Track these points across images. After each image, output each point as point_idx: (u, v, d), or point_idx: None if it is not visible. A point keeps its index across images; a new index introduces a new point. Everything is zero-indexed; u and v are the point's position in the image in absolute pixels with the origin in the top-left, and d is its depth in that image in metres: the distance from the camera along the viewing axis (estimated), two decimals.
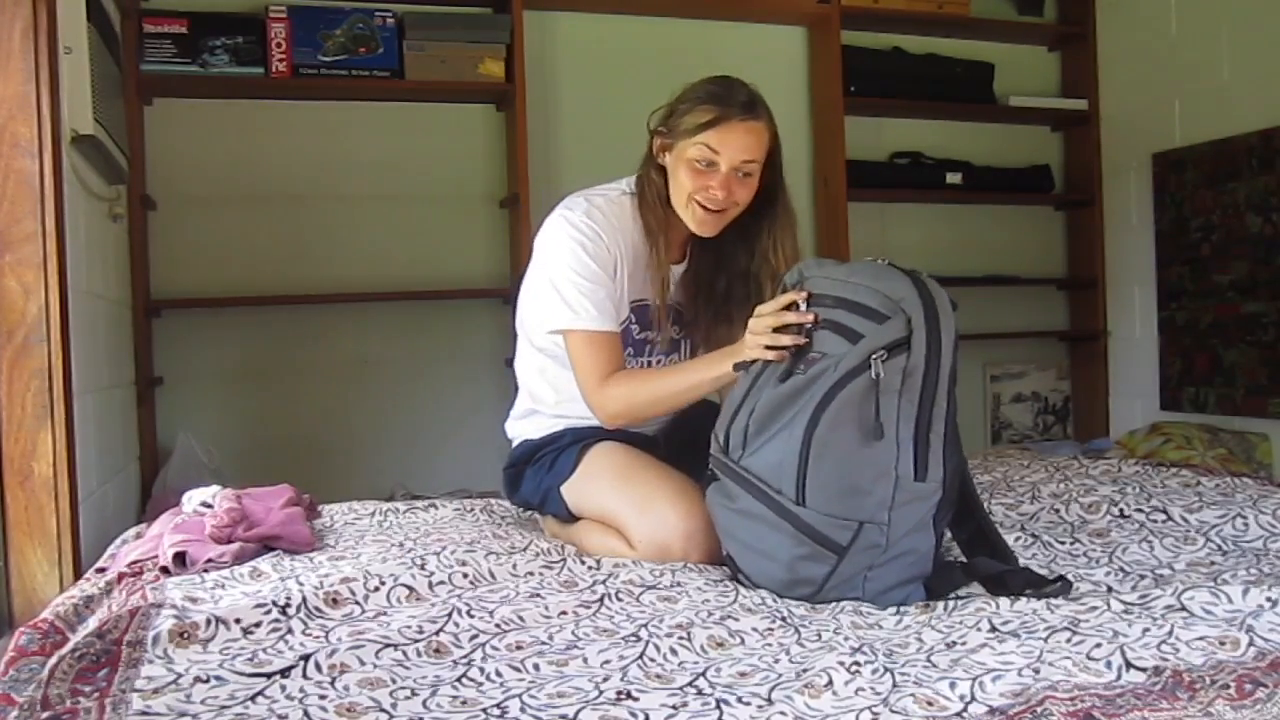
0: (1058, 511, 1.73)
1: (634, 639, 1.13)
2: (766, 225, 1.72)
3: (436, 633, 1.15)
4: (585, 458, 1.68)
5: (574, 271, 1.65)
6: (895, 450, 1.29)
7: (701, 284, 1.78)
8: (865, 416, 1.28)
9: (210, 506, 1.66)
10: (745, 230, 1.72)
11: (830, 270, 1.42)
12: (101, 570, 1.56)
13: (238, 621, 1.15)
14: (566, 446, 1.72)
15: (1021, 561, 1.44)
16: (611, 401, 1.63)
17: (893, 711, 0.92)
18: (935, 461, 1.30)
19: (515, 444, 1.84)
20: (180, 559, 1.47)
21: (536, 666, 1.07)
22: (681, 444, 1.74)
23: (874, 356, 1.28)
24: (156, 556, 1.50)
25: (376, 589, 1.28)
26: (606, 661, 1.08)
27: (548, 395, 1.79)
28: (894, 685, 0.98)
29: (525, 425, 1.83)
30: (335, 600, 1.24)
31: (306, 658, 1.05)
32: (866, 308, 1.33)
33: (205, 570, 1.44)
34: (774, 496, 1.33)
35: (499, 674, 1.05)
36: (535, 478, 1.75)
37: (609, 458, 1.68)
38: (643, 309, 1.75)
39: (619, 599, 1.31)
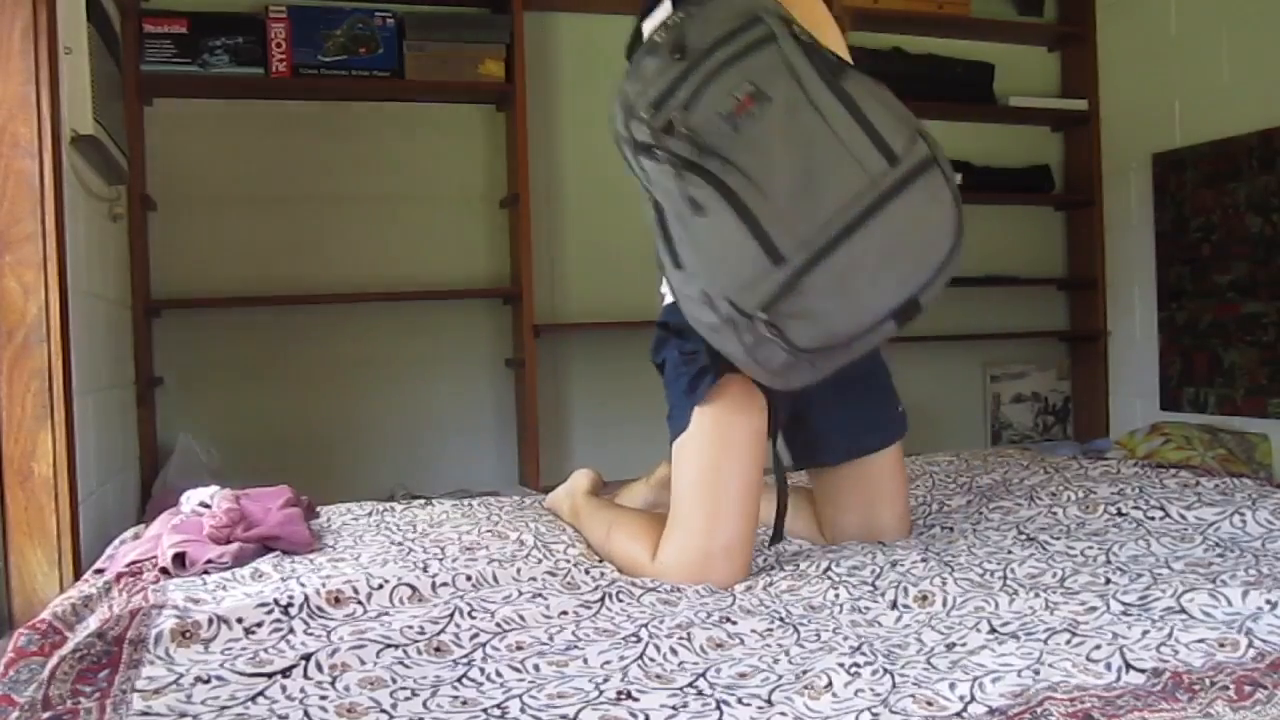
0: (1055, 513, 1.73)
1: (634, 639, 1.14)
2: None
3: (438, 633, 1.15)
4: (718, 400, 1.48)
5: None
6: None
7: None
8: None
9: (208, 507, 1.66)
10: None
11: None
12: (100, 571, 1.56)
13: (239, 621, 1.15)
14: (714, 358, 1.47)
15: (1018, 560, 1.44)
16: None
17: (892, 712, 0.92)
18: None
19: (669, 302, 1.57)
20: (180, 560, 1.47)
21: (537, 667, 1.07)
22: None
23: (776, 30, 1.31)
24: (155, 557, 1.50)
25: (380, 587, 1.28)
26: (607, 662, 1.08)
27: None
28: (893, 686, 0.98)
29: None
30: (338, 599, 1.24)
31: (307, 657, 1.05)
32: (733, 29, 1.33)
33: (206, 571, 1.44)
34: (879, 192, 1.27)
35: (499, 674, 1.05)
36: (676, 369, 1.54)
37: (720, 441, 1.48)
38: None
39: (619, 599, 1.31)
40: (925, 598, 1.28)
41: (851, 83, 1.30)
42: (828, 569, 1.43)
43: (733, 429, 1.48)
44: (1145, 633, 1.07)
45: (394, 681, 1.01)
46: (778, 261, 1.26)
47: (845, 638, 1.14)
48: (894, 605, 1.28)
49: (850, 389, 1.62)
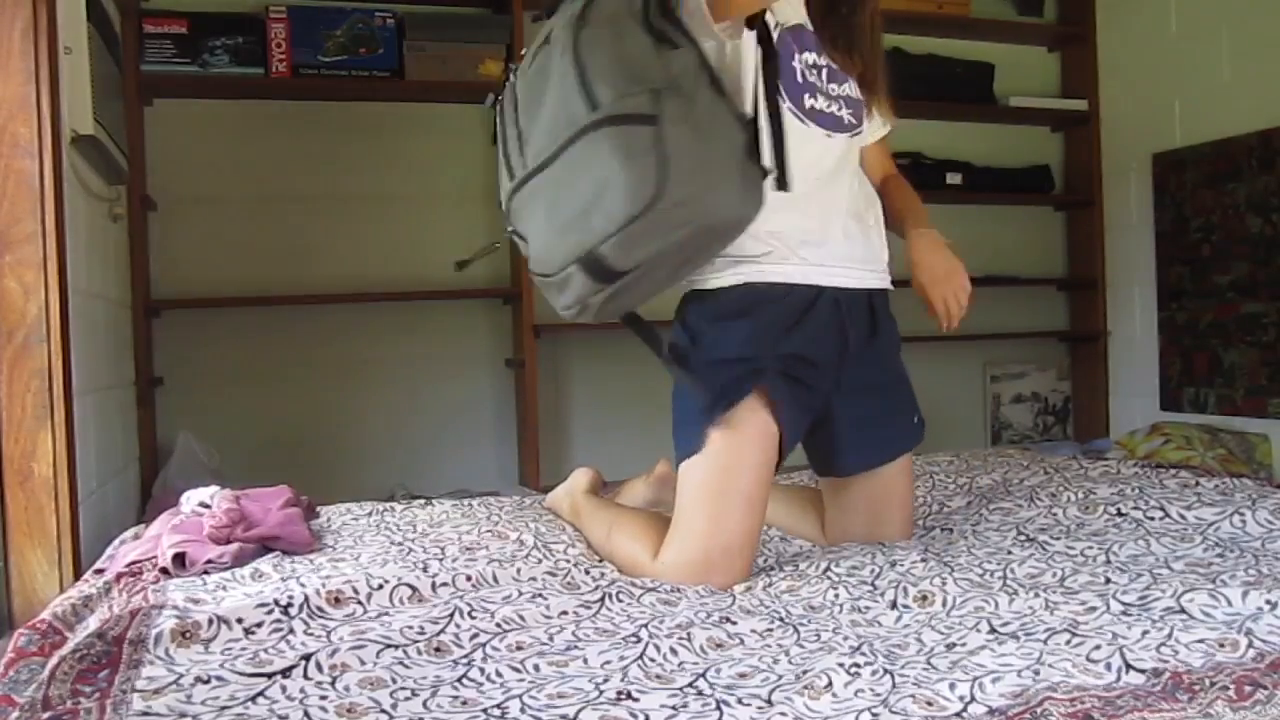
0: (1055, 514, 1.73)
1: (634, 639, 1.14)
2: None
3: (438, 633, 1.15)
4: (733, 420, 1.46)
5: None
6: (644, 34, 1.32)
7: None
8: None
9: (208, 507, 1.66)
10: None
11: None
12: (100, 571, 1.56)
13: (239, 621, 1.15)
14: (734, 379, 1.47)
15: (1017, 560, 1.44)
16: None
17: (892, 712, 0.92)
18: (677, 32, 1.34)
19: (693, 292, 1.54)
20: (179, 560, 1.47)
21: (537, 667, 1.07)
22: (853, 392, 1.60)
23: None
24: (155, 557, 1.50)
25: (380, 587, 1.28)
26: (607, 662, 1.08)
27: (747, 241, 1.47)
28: (893, 686, 0.98)
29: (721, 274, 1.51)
30: (338, 600, 1.24)
31: (307, 658, 1.05)
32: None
33: (205, 572, 1.44)
34: (570, 134, 1.30)
35: (499, 674, 1.05)
36: (684, 399, 1.51)
37: (731, 454, 1.47)
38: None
39: (619, 599, 1.31)
40: (925, 598, 1.28)
41: (589, 33, 1.32)
42: (827, 569, 1.43)
43: (745, 445, 1.48)
44: (1145, 633, 1.07)
45: (394, 682, 1.02)
46: (511, 179, 1.41)
47: (845, 638, 1.14)
48: (894, 605, 1.28)
49: (868, 399, 1.62)
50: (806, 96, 1.52)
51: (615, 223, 1.27)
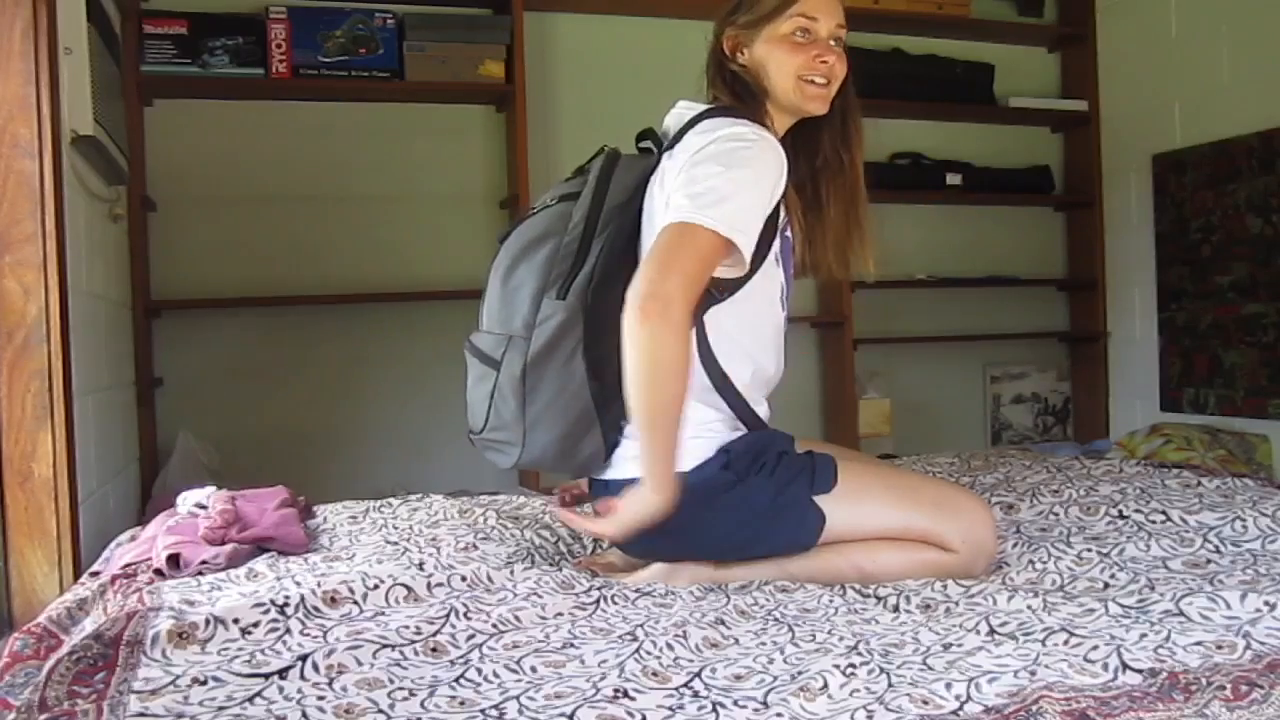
0: (1056, 514, 1.73)
1: (630, 638, 1.14)
2: (839, 108, 1.71)
3: (434, 633, 1.15)
4: (841, 467, 1.45)
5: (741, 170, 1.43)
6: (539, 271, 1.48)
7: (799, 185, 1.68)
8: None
9: (204, 508, 1.66)
10: (820, 119, 1.68)
11: None
12: (95, 575, 1.56)
13: (236, 621, 1.15)
14: (785, 452, 1.47)
15: (1015, 561, 1.44)
16: (667, 311, 1.31)
17: (888, 709, 0.92)
18: (577, 287, 1.44)
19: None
20: (174, 561, 1.47)
21: (534, 668, 1.07)
22: None
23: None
24: (150, 559, 1.50)
25: (375, 587, 1.28)
26: (603, 660, 1.08)
27: (708, 412, 1.48)
28: (889, 685, 0.98)
29: (696, 446, 1.44)
30: (334, 599, 1.24)
31: (304, 658, 1.05)
32: None
33: (200, 573, 1.44)
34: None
35: (496, 675, 1.05)
36: (759, 495, 1.42)
37: (868, 467, 1.54)
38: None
39: (614, 602, 1.31)
40: (928, 606, 1.28)
41: (515, 244, 1.64)
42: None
43: (850, 457, 1.56)
44: (1143, 635, 1.07)
45: (391, 682, 1.02)
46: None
47: (841, 637, 1.14)
48: (895, 609, 1.27)
49: None
50: None
51: (471, 430, 1.53)
